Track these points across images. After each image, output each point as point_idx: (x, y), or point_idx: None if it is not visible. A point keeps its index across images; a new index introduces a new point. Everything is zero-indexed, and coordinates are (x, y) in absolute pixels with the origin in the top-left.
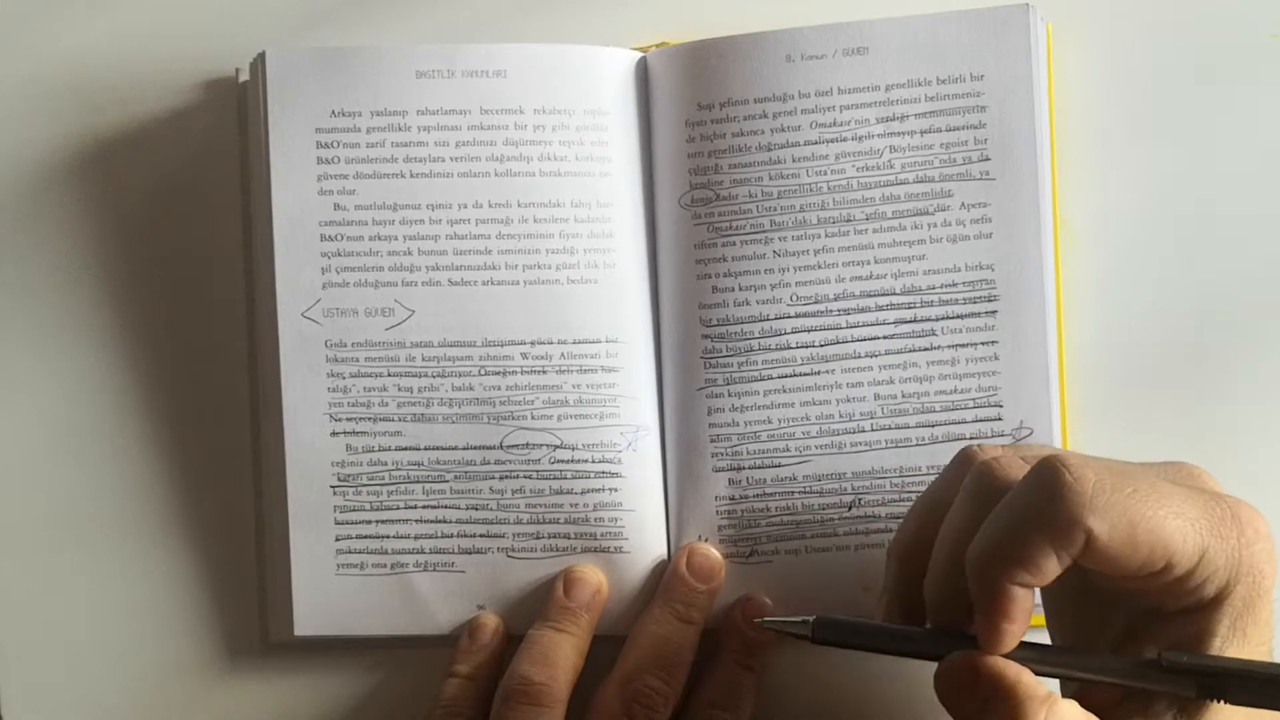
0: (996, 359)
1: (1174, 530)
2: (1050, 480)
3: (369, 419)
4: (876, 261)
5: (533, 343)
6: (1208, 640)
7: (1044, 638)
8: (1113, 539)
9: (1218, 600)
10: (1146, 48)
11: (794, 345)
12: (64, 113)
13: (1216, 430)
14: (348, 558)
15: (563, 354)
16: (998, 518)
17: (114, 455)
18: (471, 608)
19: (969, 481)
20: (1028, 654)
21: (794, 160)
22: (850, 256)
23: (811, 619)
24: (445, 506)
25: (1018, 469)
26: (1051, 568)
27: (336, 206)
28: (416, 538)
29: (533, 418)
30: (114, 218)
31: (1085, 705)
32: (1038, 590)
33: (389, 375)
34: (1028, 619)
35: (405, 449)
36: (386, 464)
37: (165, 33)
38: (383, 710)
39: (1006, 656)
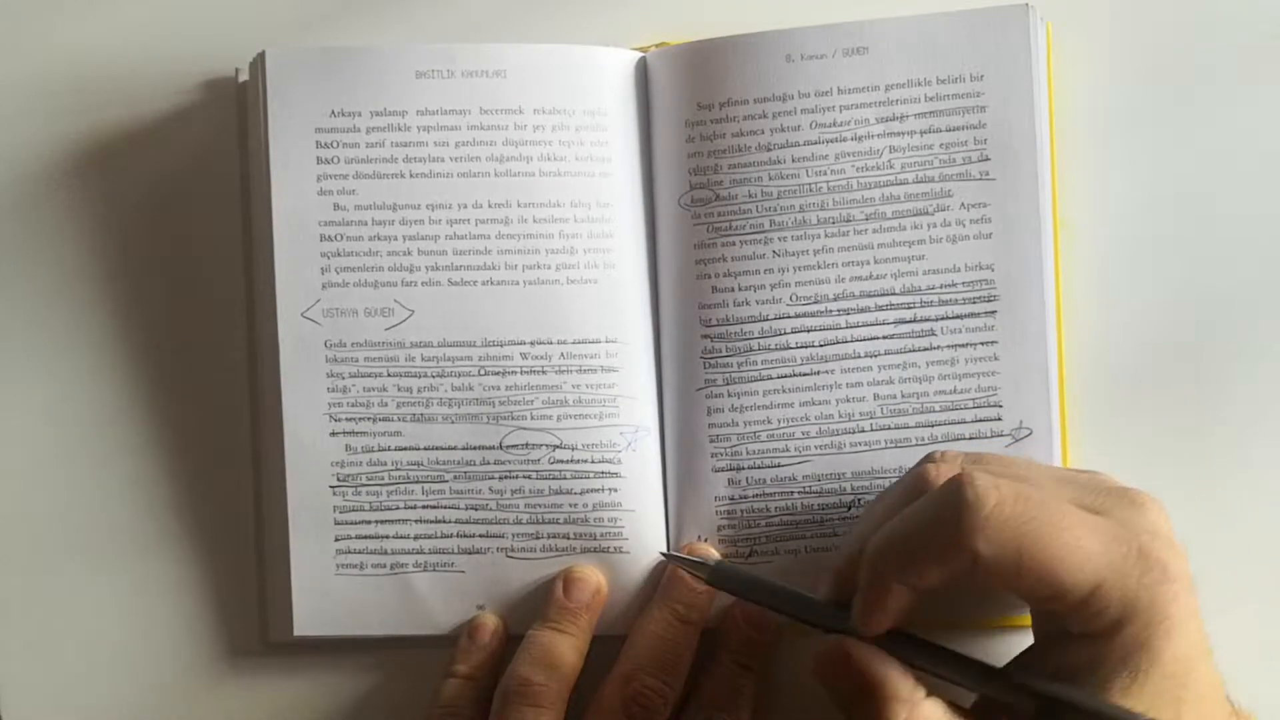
0: (996, 359)
1: (1067, 560)
2: (952, 498)
3: (369, 419)
4: (876, 261)
5: (532, 343)
6: (1098, 669)
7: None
8: (997, 564)
9: (1109, 633)
10: (1146, 48)
11: (794, 345)
12: (64, 113)
13: (1216, 430)
14: (347, 558)
15: (562, 354)
16: (902, 518)
17: (113, 455)
18: (471, 608)
19: (905, 475)
20: (901, 646)
21: (794, 160)
22: (850, 256)
23: (713, 562)
24: (445, 506)
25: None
26: (934, 578)
27: (336, 206)
28: (416, 538)
29: (532, 418)
30: (114, 217)
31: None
32: None
33: (389, 375)
34: (902, 614)
35: (405, 449)
36: (386, 464)
37: (165, 33)
38: (383, 710)
39: (886, 644)
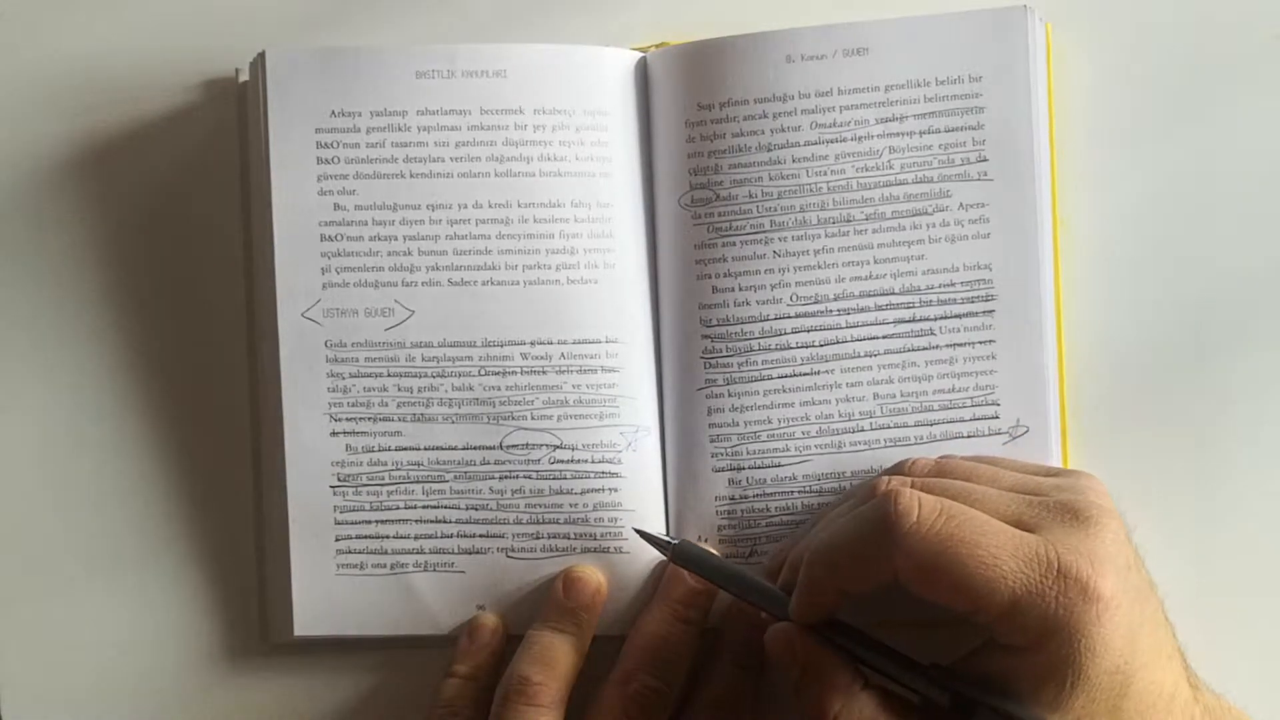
0: (994, 358)
1: (980, 579)
2: (878, 511)
3: (369, 419)
4: (876, 261)
5: (533, 343)
6: (1026, 679)
7: None
8: (915, 578)
9: (1032, 648)
10: (1146, 48)
11: (794, 345)
12: (64, 113)
13: (1215, 430)
14: (348, 558)
15: (563, 354)
16: (837, 527)
17: (113, 455)
18: (471, 608)
19: (861, 489)
20: (840, 634)
21: (794, 160)
22: (850, 257)
23: (677, 541)
24: (445, 507)
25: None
26: (858, 584)
27: (336, 206)
28: (416, 538)
29: (532, 418)
30: (114, 218)
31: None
32: None
33: (389, 375)
34: (830, 610)
35: (405, 449)
36: (386, 464)
37: (165, 33)
38: (383, 710)
39: (826, 632)
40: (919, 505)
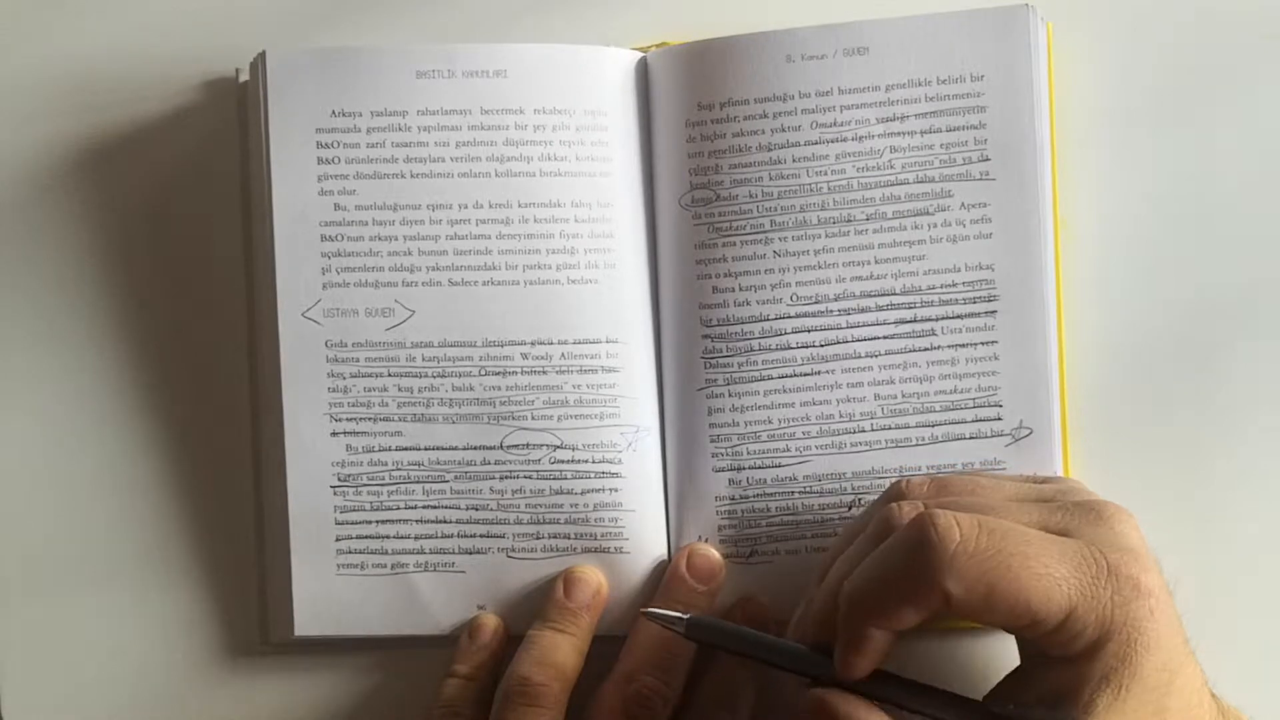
0: (996, 359)
1: (1036, 590)
2: (915, 540)
3: (369, 419)
4: (876, 262)
5: (533, 343)
6: (1080, 691)
7: None
8: (969, 600)
9: (1089, 654)
10: (1146, 48)
11: (794, 345)
12: (64, 113)
13: (1216, 430)
14: (348, 558)
15: (563, 354)
16: (871, 564)
17: (113, 455)
18: (471, 608)
19: (872, 523)
20: (882, 686)
21: (794, 160)
22: (850, 257)
23: (687, 616)
24: (445, 507)
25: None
26: (910, 619)
27: (337, 206)
28: (417, 538)
29: (533, 418)
30: (114, 217)
31: None
32: None
33: (389, 375)
34: (882, 657)
35: (405, 449)
36: (386, 464)
37: (165, 33)
38: (383, 710)
39: (866, 687)
40: (958, 524)
